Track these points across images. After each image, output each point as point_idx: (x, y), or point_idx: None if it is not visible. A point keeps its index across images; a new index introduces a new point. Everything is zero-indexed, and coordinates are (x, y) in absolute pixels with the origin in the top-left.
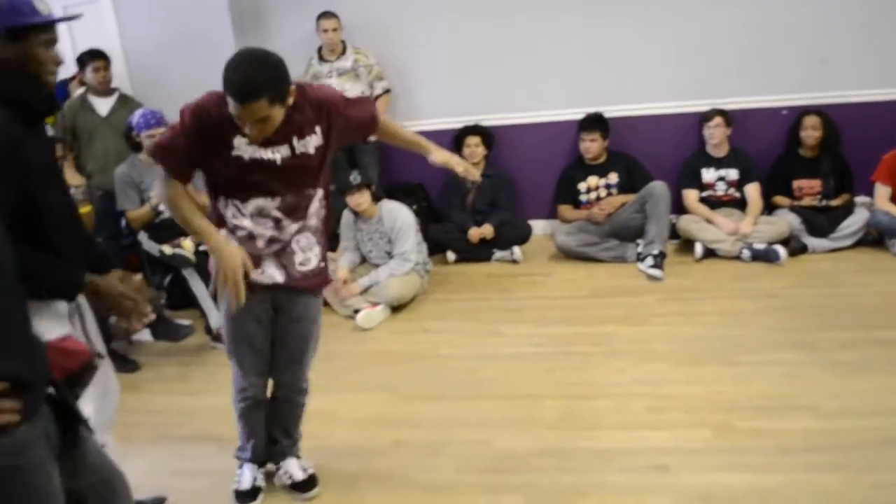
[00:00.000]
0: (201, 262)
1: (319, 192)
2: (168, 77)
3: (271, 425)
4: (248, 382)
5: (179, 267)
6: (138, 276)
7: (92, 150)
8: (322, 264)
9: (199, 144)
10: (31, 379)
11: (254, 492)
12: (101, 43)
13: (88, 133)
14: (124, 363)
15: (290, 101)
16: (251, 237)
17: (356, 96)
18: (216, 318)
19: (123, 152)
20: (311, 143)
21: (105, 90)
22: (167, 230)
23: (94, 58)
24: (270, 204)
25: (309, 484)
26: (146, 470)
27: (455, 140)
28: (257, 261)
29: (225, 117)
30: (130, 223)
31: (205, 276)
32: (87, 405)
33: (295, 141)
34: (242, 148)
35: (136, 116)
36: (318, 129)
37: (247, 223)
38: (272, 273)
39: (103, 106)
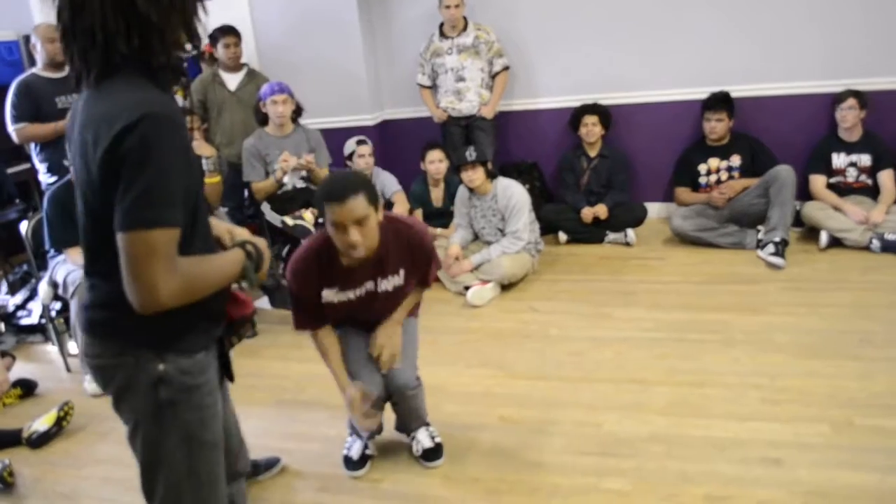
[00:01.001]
0: None
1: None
2: (295, 53)
3: (401, 418)
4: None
5: (300, 237)
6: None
7: (220, 123)
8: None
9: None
10: (219, 311)
11: (363, 460)
12: (232, 19)
13: (218, 107)
14: None
15: (380, 216)
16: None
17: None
18: None
19: (250, 126)
20: (392, 282)
21: (235, 66)
22: (289, 201)
23: (225, 34)
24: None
25: (435, 453)
26: (262, 431)
27: (572, 119)
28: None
29: (316, 271)
30: (255, 194)
31: None
32: None
33: (379, 280)
34: (331, 297)
35: (264, 87)
36: (402, 271)
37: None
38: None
39: (232, 81)
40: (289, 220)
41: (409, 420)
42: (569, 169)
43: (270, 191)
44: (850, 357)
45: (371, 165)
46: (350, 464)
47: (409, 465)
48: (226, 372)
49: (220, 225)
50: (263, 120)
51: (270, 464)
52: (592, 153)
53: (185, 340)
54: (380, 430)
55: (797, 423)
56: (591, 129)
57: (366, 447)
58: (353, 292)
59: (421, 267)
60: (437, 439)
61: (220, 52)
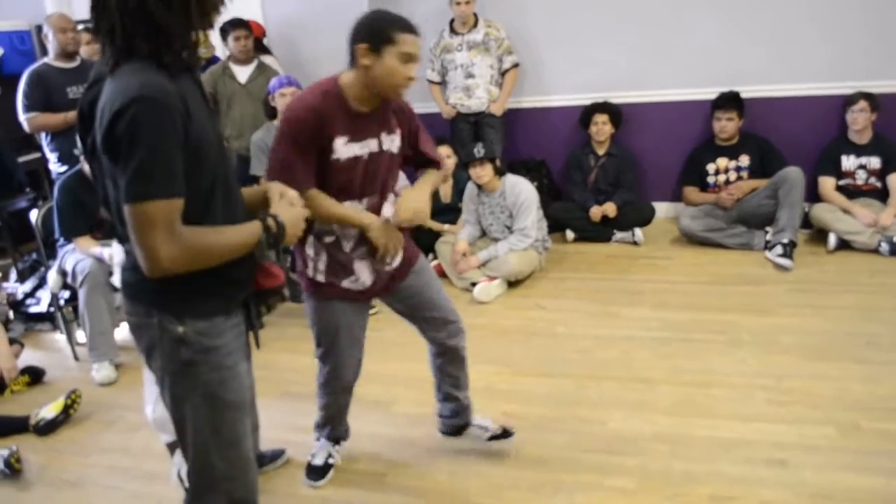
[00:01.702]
0: None
1: (390, 198)
2: (306, 47)
3: (447, 387)
4: (346, 373)
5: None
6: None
7: (230, 115)
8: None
9: (306, 151)
10: (242, 279)
11: (325, 468)
12: (242, 12)
13: (228, 99)
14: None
15: (354, 77)
16: (338, 242)
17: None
18: None
19: (259, 119)
20: (395, 141)
21: (245, 58)
22: None
23: (235, 27)
24: (357, 206)
25: (507, 433)
26: (268, 423)
27: (583, 116)
28: (348, 267)
29: (327, 114)
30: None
31: None
32: (147, 405)
33: (384, 136)
34: (340, 150)
35: (273, 81)
36: (398, 131)
37: (335, 227)
38: (364, 279)
39: (243, 74)
40: None
41: (455, 387)
42: (576, 167)
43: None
44: (856, 360)
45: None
46: (312, 472)
47: (413, 458)
48: (250, 339)
49: (276, 187)
50: (273, 113)
51: (276, 455)
52: (601, 151)
53: (203, 304)
54: (346, 434)
55: (803, 425)
56: (602, 127)
57: (329, 455)
58: (360, 145)
59: (411, 131)
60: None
61: (231, 44)
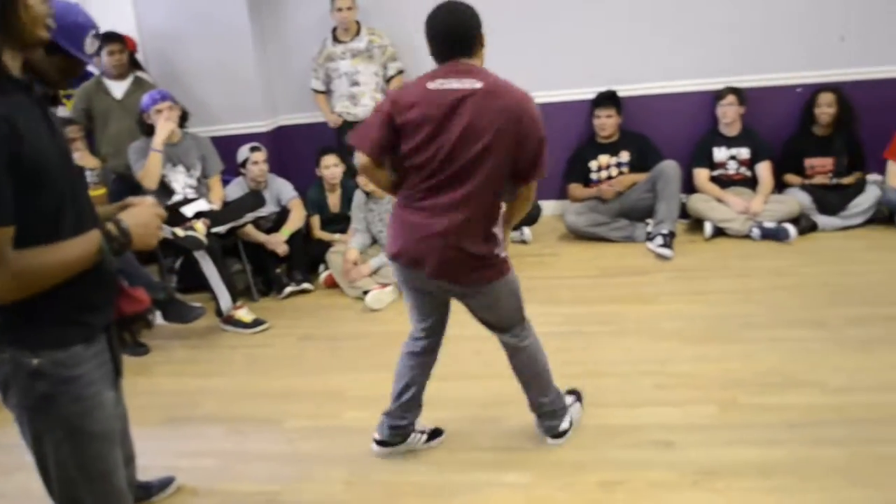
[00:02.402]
0: (212, 245)
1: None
2: (184, 59)
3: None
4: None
5: (191, 249)
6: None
7: (106, 133)
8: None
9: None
10: (99, 303)
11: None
12: (116, 25)
13: (103, 116)
14: (135, 347)
15: (480, 62)
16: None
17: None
18: (226, 301)
19: (137, 136)
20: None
21: (120, 73)
22: (179, 213)
23: (108, 41)
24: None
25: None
26: (154, 451)
27: None
28: None
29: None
30: (143, 182)
31: (216, 259)
32: None
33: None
34: None
35: (144, 98)
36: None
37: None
38: None
39: (118, 89)
40: (179, 232)
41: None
42: None
43: (156, 168)
44: (734, 340)
45: (265, 172)
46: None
47: (308, 473)
48: (114, 365)
49: (132, 200)
50: (149, 131)
51: (164, 484)
52: None
53: (60, 333)
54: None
55: (687, 406)
56: None
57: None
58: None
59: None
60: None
61: (104, 59)
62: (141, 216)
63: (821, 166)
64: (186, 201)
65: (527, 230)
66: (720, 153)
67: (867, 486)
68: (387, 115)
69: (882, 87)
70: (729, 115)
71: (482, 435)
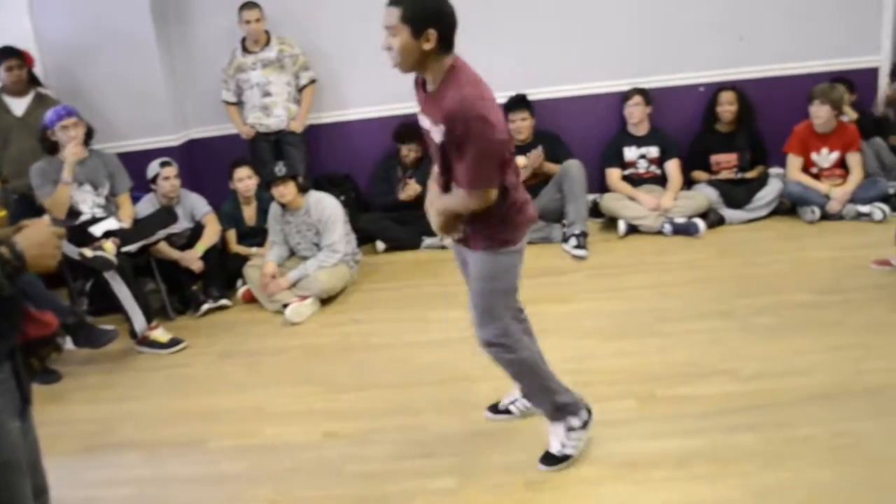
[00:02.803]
0: (123, 264)
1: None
2: (87, 74)
3: None
4: None
5: (101, 270)
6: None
7: (7, 152)
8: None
9: None
10: (3, 329)
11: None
12: (13, 40)
13: (3, 135)
14: (45, 374)
15: (426, 46)
16: None
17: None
18: (141, 322)
19: (40, 155)
20: (437, 133)
21: (20, 90)
22: (87, 233)
23: (6, 56)
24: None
25: (550, 459)
26: (69, 482)
27: (395, 137)
28: None
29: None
30: (50, 211)
31: (127, 279)
32: None
33: (430, 121)
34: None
35: (47, 115)
36: (442, 127)
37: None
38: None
39: (18, 106)
40: (87, 252)
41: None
42: (384, 179)
43: (63, 200)
44: (651, 334)
45: (177, 188)
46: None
47: (232, 494)
48: (21, 394)
49: (5, 231)
50: (52, 148)
51: None
52: (409, 164)
53: None
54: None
55: (606, 402)
56: (409, 153)
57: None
58: (421, 119)
59: (460, 145)
60: (567, 448)
61: (2, 75)
62: (36, 237)
63: (726, 162)
64: (95, 220)
65: None
66: (630, 152)
67: (782, 469)
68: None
69: (779, 84)
70: (635, 116)
71: (408, 444)
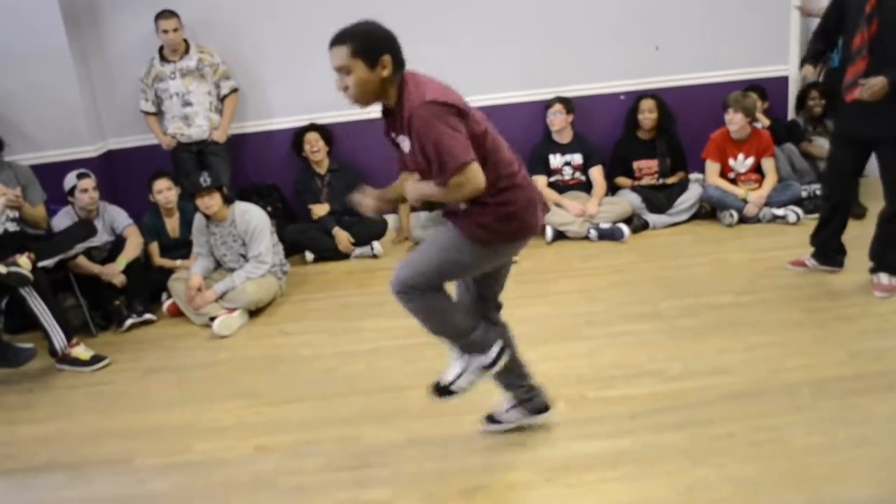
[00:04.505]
0: (40, 280)
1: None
2: (0, 84)
3: None
4: None
5: (17, 286)
6: None
7: None
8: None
9: None
10: None
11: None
12: None
13: None
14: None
15: (385, 73)
16: None
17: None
18: (60, 339)
19: None
20: (405, 144)
21: None
22: (1, 247)
23: None
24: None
25: (443, 389)
26: None
27: (294, 144)
28: None
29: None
30: None
31: (45, 295)
32: None
33: (395, 135)
34: None
35: None
36: (406, 138)
37: None
38: None
39: None
40: (1, 269)
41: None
42: (305, 190)
43: None
44: (579, 338)
45: (96, 200)
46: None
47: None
48: None
49: None
50: None
51: None
52: (322, 170)
53: None
54: None
55: None
56: (314, 144)
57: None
58: (389, 140)
59: (420, 144)
60: (456, 384)
61: None
62: None
63: (647, 168)
64: (7, 235)
65: (377, 244)
66: (555, 160)
67: (708, 465)
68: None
69: (696, 93)
70: (556, 123)
71: (341, 455)
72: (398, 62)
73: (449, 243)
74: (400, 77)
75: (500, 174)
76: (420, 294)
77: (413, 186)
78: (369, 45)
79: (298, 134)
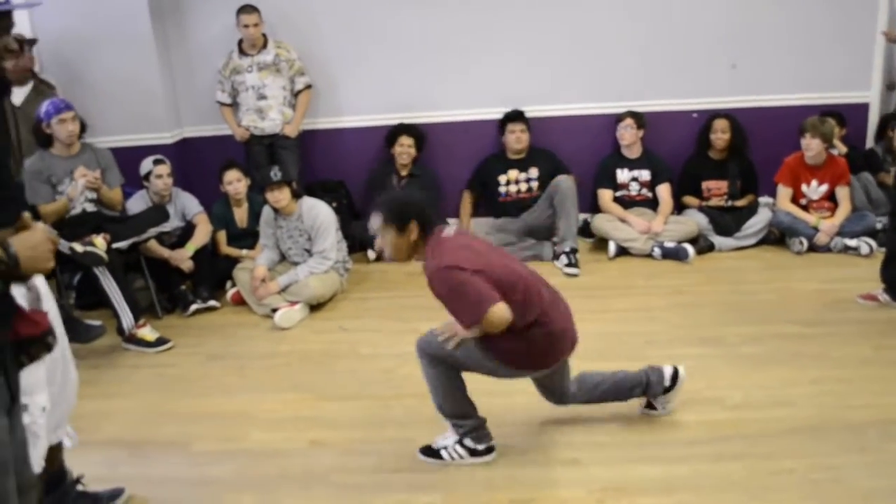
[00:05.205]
0: (113, 260)
1: None
2: (83, 66)
3: None
4: None
5: (90, 265)
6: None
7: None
8: None
9: None
10: None
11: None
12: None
13: None
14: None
15: (413, 237)
16: None
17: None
18: (129, 319)
19: (33, 147)
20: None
21: (19, 79)
22: (78, 226)
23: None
24: None
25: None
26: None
27: (388, 138)
28: None
29: None
30: (44, 218)
31: (117, 275)
32: (41, 394)
33: None
34: None
35: (43, 107)
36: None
37: None
38: None
39: (17, 95)
40: (78, 247)
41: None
42: (379, 187)
43: (62, 212)
44: (636, 358)
45: (169, 186)
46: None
47: (215, 498)
48: (9, 390)
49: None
50: (46, 141)
51: (114, 495)
52: (403, 172)
53: None
54: None
55: (590, 424)
56: (407, 150)
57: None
58: None
59: (444, 303)
60: (445, 452)
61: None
62: (30, 240)
63: (716, 189)
64: (85, 215)
65: None
66: (623, 175)
67: (765, 500)
68: None
69: (772, 115)
70: (626, 138)
71: (394, 456)
72: (425, 227)
73: (480, 348)
74: (431, 239)
75: (527, 316)
76: (436, 363)
77: (453, 328)
78: (398, 214)
79: (394, 132)
